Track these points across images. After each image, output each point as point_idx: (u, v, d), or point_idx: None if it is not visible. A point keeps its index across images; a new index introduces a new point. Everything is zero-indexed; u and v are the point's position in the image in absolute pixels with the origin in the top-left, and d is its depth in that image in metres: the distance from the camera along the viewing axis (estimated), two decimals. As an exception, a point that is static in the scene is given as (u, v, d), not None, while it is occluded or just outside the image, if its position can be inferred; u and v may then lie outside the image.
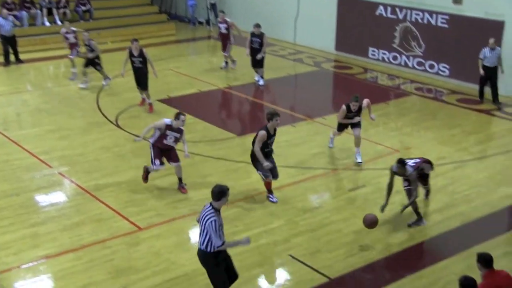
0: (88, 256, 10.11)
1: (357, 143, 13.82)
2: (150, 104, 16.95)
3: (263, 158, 11.55)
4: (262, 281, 9.64)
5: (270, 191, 12.05)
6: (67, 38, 19.86)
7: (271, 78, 20.33)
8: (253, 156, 11.83)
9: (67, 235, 10.74)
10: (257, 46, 19.16)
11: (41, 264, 9.94)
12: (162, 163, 12.18)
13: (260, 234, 10.82)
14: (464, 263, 9.94)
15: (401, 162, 10.83)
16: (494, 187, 12.70)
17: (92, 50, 18.72)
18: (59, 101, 18.02)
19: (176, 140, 12.11)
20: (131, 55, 16.56)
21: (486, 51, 17.47)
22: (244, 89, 19.23)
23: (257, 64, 19.47)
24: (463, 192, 12.44)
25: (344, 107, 13.66)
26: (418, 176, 11.07)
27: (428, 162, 11.55)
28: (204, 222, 8.20)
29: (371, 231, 10.76)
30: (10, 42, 21.50)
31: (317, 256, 10.14)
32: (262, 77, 19.62)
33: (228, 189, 8.32)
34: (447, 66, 19.96)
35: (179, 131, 12.03)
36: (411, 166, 10.98)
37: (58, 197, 12.38)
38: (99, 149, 14.53)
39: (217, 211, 8.27)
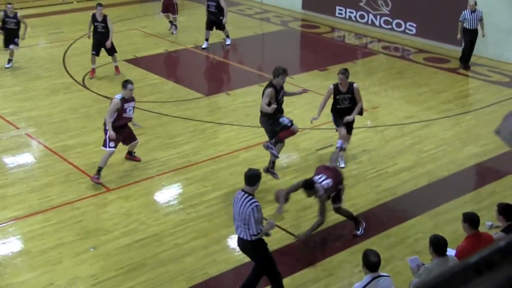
0: (57, 218, 10.11)
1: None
2: (116, 66, 16.66)
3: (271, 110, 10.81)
4: (231, 241, 9.71)
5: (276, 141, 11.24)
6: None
7: (238, 37, 20.23)
8: (262, 115, 11.25)
9: (35, 197, 10.71)
10: (213, 9, 18.70)
11: (10, 225, 9.92)
12: (115, 146, 11.32)
13: (228, 194, 10.88)
14: (431, 222, 10.15)
15: (308, 186, 9.02)
16: (461, 146, 12.91)
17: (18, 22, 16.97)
18: (26, 61, 17.75)
19: (133, 108, 11.72)
20: (94, 20, 16.16)
21: (466, 13, 17.07)
22: (211, 49, 19.12)
23: (213, 27, 18.94)
24: (430, 151, 12.63)
25: (331, 86, 11.95)
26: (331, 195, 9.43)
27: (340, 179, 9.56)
28: (244, 211, 7.60)
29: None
30: None
31: (285, 216, 10.25)
32: (228, 36, 19.40)
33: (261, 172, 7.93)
34: (414, 25, 20.04)
35: (133, 99, 11.63)
36: (322, 187, 9.11)
37: (26, 158, 12.30)
38: (66, 110, 14.41)
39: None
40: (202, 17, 20.15)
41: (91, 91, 15.46)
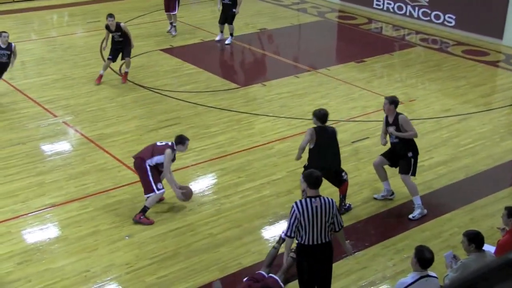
0: (93, 205, 10.22)
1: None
2: (126, 73, 15.68)
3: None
4: (265, 232, 9.73)
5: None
6: None
7: (274, 28, 20.19)
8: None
9: (72, 184, 10.84)
10: (227, 1, 18.11)
11: (48, 212, 10.06)
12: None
13: (263, 185, 10.91)
14: (468, 216, 10.03)
15: None
16: (499, 140, 12.73)
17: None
18: (64, 50, 17.96)
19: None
20: (109, 30, 15.41)
21: None
22: (247, 39, 19.10)
23: (226, 20, 18.38)
24: (467, 145, 12.47)
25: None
26: None
27: None
28: (331, 211, 7.11)
29: (375, 183, 10.84)
30: None
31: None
32: (232, 34, 18.67)
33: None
34: (453, 17, 19.76)
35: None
36: None
37: (63, 146, 12.45)
38: (103, 98, 14.54)
39: None
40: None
41: (128, 80, 15.55)
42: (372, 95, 14.80)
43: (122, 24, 15.40)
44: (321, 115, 9.65)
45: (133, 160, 10.09)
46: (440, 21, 20.12)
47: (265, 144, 12.37)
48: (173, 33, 19.25)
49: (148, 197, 9.81)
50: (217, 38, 18.76)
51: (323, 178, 7.54)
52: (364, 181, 11.04)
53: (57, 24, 21.40)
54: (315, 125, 9.77)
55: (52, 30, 20.52)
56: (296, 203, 7.12)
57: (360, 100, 14.58)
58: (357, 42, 19.50)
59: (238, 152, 12.04)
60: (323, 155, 9.64)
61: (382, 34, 20.40)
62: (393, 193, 10.52)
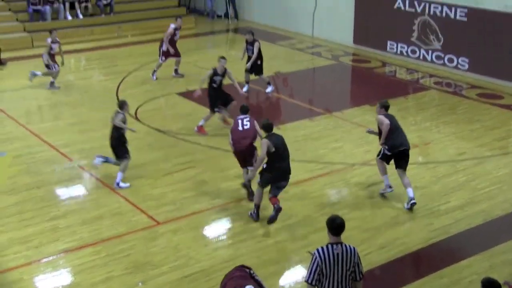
0: (106, 251, 10.18)
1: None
2: (226, 120, 15.32)
3: None
4: (280, 279, 9.63)
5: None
6: (52, 49, 18.36)
7: (289, 71, 20.30)
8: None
9: (86, 229, 10.83)
10: (251, 54, 17.98)
11: (61, 258, 10.03)
12: None
13: (278, 230, 10.83)
14: (487, 263, 9.87)
15: None
16: (516, 184, 12.63)
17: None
18: (81, 94, 18.15)
19: None
20: (214, 73, 14.92)
21: None
22: (263, 83, 19.18)
23: (254, 71, 18.14)
24: (484, 189, 12.34)
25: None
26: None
27: None
28: (353, 259, 7.04)
29: (392, 227, 10.74)
30: None
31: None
32: (269, 83, 18.42)
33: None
34: (466, 60, 19.79)
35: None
36: None
37: (78, 190, 12.50)
38: (118, 142, 14.58)
39: None
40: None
41: (143, 123, 15.64)
42: (387, 139, 14.73)
43: (228, 70, 14.98)
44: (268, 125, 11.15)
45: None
46: (454, 64, 20.15)
47: (280, 188, 12.30)
48: (157, 74, 19.33)
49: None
50: (245, 90, 17.80)
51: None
52: (380, 225, 10.94)
53: (74, 69, 21.66)
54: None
55: (69, 74, 20.72)
56: (318, 250, 7.02)
57: (374, 144, 14.42)
58: (371, 85, 19.55)
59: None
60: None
61: (396, 77, 20.46)
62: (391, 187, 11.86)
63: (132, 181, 12.61)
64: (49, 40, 18.26)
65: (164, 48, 19.14)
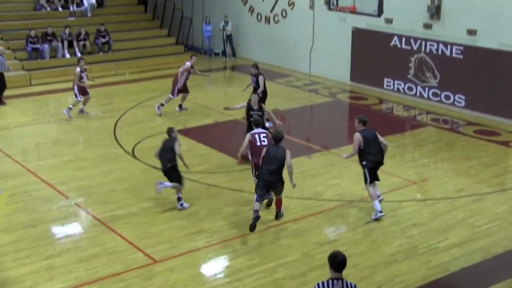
0: (103, 289, 10.09)
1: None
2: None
3: None
4: (279, 316, 9.55)
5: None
6: (82, 77, 19.16)
7: (287, 108, 20.36)
8: None
9: (82, 268, 10.72)
10: (255, 85, 18.37)
11: (57, 297, 9.93)
12: None
13: (276, 268, 10.74)
14: (486, 301, 9.80)
15: None
16: (514, 221, 12.57)
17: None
18: (78, 131, 18.17)
19: None
20: (249, 108, 15.36)
21: None
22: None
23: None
24: (483, 226, 12.28)
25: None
26: None
27: None
28: None
29: (389, 266, 10.66)
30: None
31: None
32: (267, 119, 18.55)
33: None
34: (463, 97, 19.90)
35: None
36: None
37: (74, 228, 12.41)
38: (115, 180, 14.57)
39: None
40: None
41: (140, 161, 15.64)
42: (385, 175, 14.71)
43: (263, 105, 15.51)
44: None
45: None
46: (450, 101, 20.26)
47: (278, 225, 12.26)
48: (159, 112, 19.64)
49: None
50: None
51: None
52: (378, 263, 10.85)
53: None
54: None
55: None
56: (318, 284, 6.97)
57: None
58: (369, 122, 19.52)
59: (251, 233, 11.90)
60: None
61: (393, 114, 20.53)
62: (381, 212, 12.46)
63: (129, 218, 12.56)
64: (78, 69, 18.96)
65: (180, 85, 19.52)
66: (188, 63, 19.69)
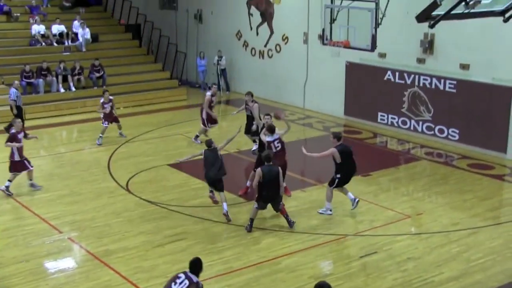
0: (96, 325, 9.98)
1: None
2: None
3: None
4: None
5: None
6: (104, 108, 20.18)
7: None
8: None
9: (75, 303, 10.63)
10: (249, 113, 18.61)
11: (49, 332, 9.81)
12: None
13: (271, 302, 10.67)
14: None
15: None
16: (510, 255, 12.49)
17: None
18: (72, 165, 18.13)
19: None
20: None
21: None
22: (254, 154, 19.23)
23: (250, 131, 18.66)
24: (478, 260, 12.24)
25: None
26: None
27: None
28: None
29: (384, 300, 10.60)
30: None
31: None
32: (255, 141, 18.69)
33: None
34: (456, 131, 19.99)
35: None
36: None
37: (67, 263, 12.31)
38: (109, 214, 14.52)
39: None
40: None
41: (134, 195, 15.61)
42: (380, 209, 14.75)
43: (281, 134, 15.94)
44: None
45: None
46: (444, 135, 20.34)
47: (272, 259, 12.20)
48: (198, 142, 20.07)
49: None
50: (254, 148, 18.85)
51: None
52: (374, 297, 10.80)
53: (66, 140, 21.77)
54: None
55: (61, 146, 20.85)
56: None
57: (367, 214, 14.51)
58: (363, 156, 19.57)
59: (245, 267, 11.85)
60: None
61: (388, 148, 20.58)
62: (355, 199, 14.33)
63: (123, 252, 12.48)
64: (102, 100, 20.21)
65: (205, 115, 19.93)
66: (208, 93, 20.06)
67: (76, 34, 28.05)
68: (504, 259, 12.31)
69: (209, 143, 14.39)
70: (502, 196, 16.19)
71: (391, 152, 20.07)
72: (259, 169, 13.35)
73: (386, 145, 20.80)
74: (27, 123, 22.53)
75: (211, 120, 20.16)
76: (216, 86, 20.60)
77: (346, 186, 14.45)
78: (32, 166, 16.10)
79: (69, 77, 25.52)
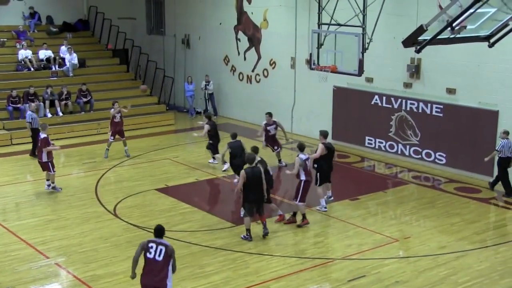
0: None
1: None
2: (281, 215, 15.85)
3: None
4: None
5: None
6: (114, 117, 21.10)
7: (269, 166, 20.34)
8: None
9: (62, 329, 10.53)
10: (273, 132, 20.24)
11: None
12: None
13: (259, 326, 10.62)
14: None
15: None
16: (498, 278, 12.53)
17: None
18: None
19: None
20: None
21: (504, 142, 17.24)
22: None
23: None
24: (466, 283, 12.25)
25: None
26: None
27: None
28: None
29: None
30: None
31: None
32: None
33: None
34: (443, 155, 20.10)
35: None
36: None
37: (54, 289, 12.22)
38: (97, 239, 14.44)
39: None
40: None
41: (122, 220, 15.54)
42: (367, 233, 14.76)
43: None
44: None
45: None
46: (431, 159, 20.44)
47: (260, 283, 12.16)
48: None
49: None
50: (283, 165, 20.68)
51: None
52: (363, 321, 10.77)
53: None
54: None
55: (48, 171, 20.71)
56: None
57: (355, 238, 14.52)
58: (351, 180, 19.70)
59: (233, 292, 11.80)
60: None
61: (375, 172, 20.64)
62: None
63: (111, 278, 12.39)
64: (112, 110, 21.22)
65: (264, 140, 20.80)
66: (263, 123, 20.76)
67: (63, 59, 28.04)
68: (492, 282, 12.33)
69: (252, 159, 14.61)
70: (489, 220, 16.24)
71: (379, 176, 20.13)
72: (242, 171, 14.01)
73: (373, 169, 20.87)
74: (15, 148, 22.51)
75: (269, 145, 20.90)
76: (271, 115, 20.92)
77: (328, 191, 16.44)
78: (54, 171, 17.64)
79: (56, 102, 25.46)
